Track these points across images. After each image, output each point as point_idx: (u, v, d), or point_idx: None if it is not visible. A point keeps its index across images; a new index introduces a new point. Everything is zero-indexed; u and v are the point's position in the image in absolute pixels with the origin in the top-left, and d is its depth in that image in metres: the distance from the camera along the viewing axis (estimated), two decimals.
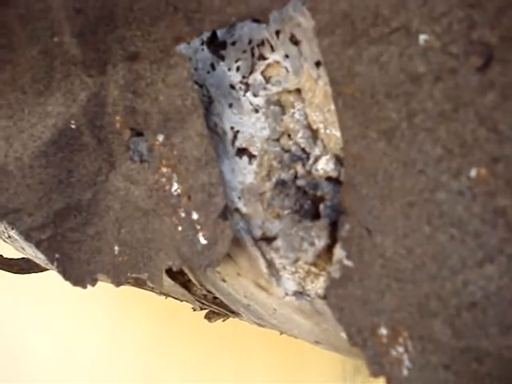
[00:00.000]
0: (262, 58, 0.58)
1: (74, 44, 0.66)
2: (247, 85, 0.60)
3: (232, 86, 0.61)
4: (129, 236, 0.70)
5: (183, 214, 0.62)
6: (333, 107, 0.51)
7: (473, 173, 0.41)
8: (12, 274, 1.33)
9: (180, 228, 0.63)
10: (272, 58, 0.57)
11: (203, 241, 0.60)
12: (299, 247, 0.55)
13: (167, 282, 0.80)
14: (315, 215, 0.54)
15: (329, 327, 0.59)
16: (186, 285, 0.82)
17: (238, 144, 0.60)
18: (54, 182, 0.73)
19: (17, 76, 0.71)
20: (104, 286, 0.87)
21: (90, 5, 0.63)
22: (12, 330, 2.23)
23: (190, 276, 0.76)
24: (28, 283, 1.78)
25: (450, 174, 0.42)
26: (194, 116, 0.59)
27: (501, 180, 0.39)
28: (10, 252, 1.25)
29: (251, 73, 0.59)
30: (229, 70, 0.61)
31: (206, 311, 1.06)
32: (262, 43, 0.58)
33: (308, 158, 0.56)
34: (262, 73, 0.59)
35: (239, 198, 0.60)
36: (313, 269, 0.56)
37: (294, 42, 0.55)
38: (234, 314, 0.88)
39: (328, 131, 0.54)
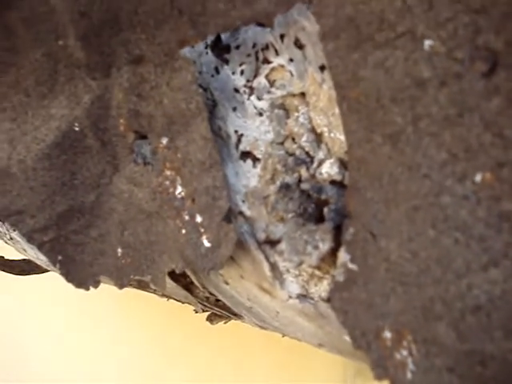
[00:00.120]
0: (267, 61, 0.58)
1: (78, 47, 0.66)
2: (251, 88, 0.60)
3: (236, 90, 0.61)
4: (132, 238, 0.70)
5: (187, 217, 0.62)
6: (337, 111, 0.51)
7: (478, 177, 0.41)
8: (12, 275, 1.33)
9: (184, 231, 0.63)
10: (276, 61, 0.57)
11: (207, 244, 0.60)
12: (303, 250, 0.55)
13: (169, 284, 0.80)
14: (319, 219, 0.55)
15: (332, 330, 0.59)
16: (189, 287, 0.83)
17: (242, 147, 0.61)
18: (58, 185, 0.73)
19: (20, 79, 0.71)
20: (105, 288, 0.88)
21: (94, 8, 0.63)
22: (12, 330, 2.23)
23: (193, 278, 0.76)
24: (28, 284, 1.78)
25: (454, 179, 0.42)
26: (198, 119, 0.60)
27: (506, 184, 0.40)
28: (11, 253, 1.25)
29: (255, 76, 0.59)
30: (233, 73, 0.61)
31: (207, 313, 1.06)
32: (266, 47, 0.58)
33: (312, 162, 0.56)
34: (267, 76, 0.59)
35: (243, 201, 0.60)
36: (316, 272, 0.56)
37: (299, 45, 0.55)
38: (236, 316, 0.88)
39: (332, 135, 0.54)
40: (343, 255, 0.51)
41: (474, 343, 0.42)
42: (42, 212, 0.74)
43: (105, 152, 0.70)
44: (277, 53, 0.57)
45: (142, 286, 0.91)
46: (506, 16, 0.38)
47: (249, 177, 0.60)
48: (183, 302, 0.98)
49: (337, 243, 0.53)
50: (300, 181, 0.56)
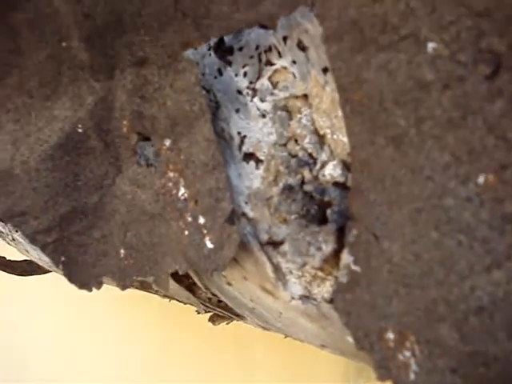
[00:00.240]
0: (270, 63, 0.58)
1: (81, 49, 0.67)
2: (254, 90, 0.60)
3: (239, 92, 0.61)
4: (135, 239, 0.70)
5: (190, 219, 0.63)
6: (340, 113, 0.51)
7: (481, 179, 0.41)
8: (13, 276, 1.33)
9: (187, 232, 0.63)
10: (279, 63, 0.58)
11: (210, 245, 0.61)
12: (306, 252, 0.55)
13: (172, 285, 0.80)
14: (322, 220, 0.55)
15: (335, 331, 0.59)
16: (191, 288, 0.83)
17: (245, 149, 0.61)
18: (61, 186, 0.74)
19: (24, 80, 0.72)
20: (106, 288, 0.88)
21: (98, 10, 0.63)
22: (12, 331, 2.23)
23: (195, 279, 0.77)
24: (29, 284, 1.79)
25: (457, 181, 0.42)
26: (201, 121, 0.60)
27: (509, 187, 0.40)
28: (13, 254, 1.25)
29: (258, 78, 0.60)
30: (236, 75, 0.61)
31: (210, 314, 1.06)
32: (269, 49, 0.58)
33: (315, 164, 0.56)
34: (269, 78, 0.59)
35: (246, 202, 0.60)
36: (319, 273, 0.57)
37: (302, 48, 0.55)
38: (239, 317, 0.88)
39: (335, 137, 0.54)
40: (346, 257, 0.51)
41: (477, 344, 0.42)
42: (45, 213, 0.75)
43: (108, 153, 0.71)
44: (280, 55, 0.57)
45: (145, 286, 0.91)
46: (509, 19, 0.39)
47: (252, 178, 0.60)
48: (185, 303, 0.98)
49: (340, 245, 0.53)
50: (303, 182, 0.57)
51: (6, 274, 1.30)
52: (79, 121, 0.71)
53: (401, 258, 0.47)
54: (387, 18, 0.45)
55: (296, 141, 0.58)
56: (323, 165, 0.55)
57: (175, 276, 0.74)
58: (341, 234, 0.53)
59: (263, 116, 0.60)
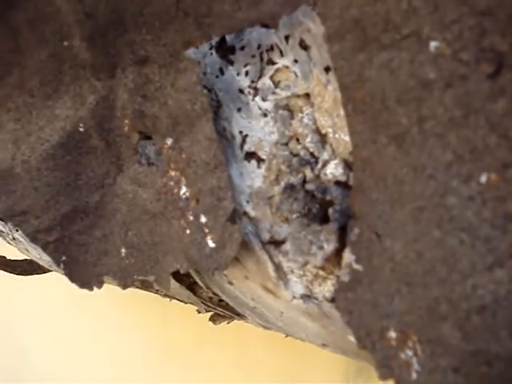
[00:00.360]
0: (271, 62, 0.58)
1: (83, 48, 0.67)
2: (256, 89, 0.60)
3: (241, 91, 0.61)
4: (136, 239, 0.70)
5: (191, 218, 0.63)
6: (342, 112, 0.51)
7: (483, 178, 0.41)
8: (14, 276, 1.33)
9: (188, 231, 0.63)
10: (281, 62, 0.58)
11: (211, 244, 0.61)
12: (308, 251, 0.55)
13: (173, 284, 0.80)
14: (324, 219, 0.55)
15: (336, 330, 0.59)
16: (192, 287, 0.83)
17: (246, 148, 0.61)
18: (62, 185, 0.74)
19: (25, 79, 0.72)
20: (106, 287, 0.88)
21: (99, 9, 0.63)
22: (12, 330, 2.23)
23: (196, 278, 0.77)
24: (29, 284, 1.79)
25: (460, 179, 0.43)
26: (202, 120, 0.60)
27: (511, 185, 0.40)
28: (13, 254, 1.25)
29: (260, 77, 0.60)
30: (237, 74, 0.61)
31: (210, 313, 1.06)
32: (270, 48, 0.58)
33: (317, 163, 0.56)
34: (271, 77, 0.59)
35: (247, 201, 0.60)
36: (321, 272, 0.57)
37: (304, 46, 0.55)
38: (240, 316, 0.88)
39: (337, 136, 0.54)
40: (348, 256, 0.51)
41: (479, 343, 0.42)
42: (46, 212, 0.75)
43: (109, 152, 0.71)
44: (281, 54, 0.57)
45: (146, 286, 0.91)
46: None
47: (253, 177, 0.60)
48: (186, 303, 0.98)
49: (341, 244, 0.53)
50: (305, 181, 0.57)
51: (6, 273, 1.30)
52: (80, 120, 0.70)
53: (403, 256, 0.47)
54: (389, 16, 0.45)
55: (298, 140, 0.58)
56: (325, 164, 0.55)
57: (176, 275, 0.74)
58: (342, 233, 0.53)
59: (265, 115, 0.60)
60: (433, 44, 0.43)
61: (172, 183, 0.64)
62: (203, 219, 0.61)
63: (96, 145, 0.71)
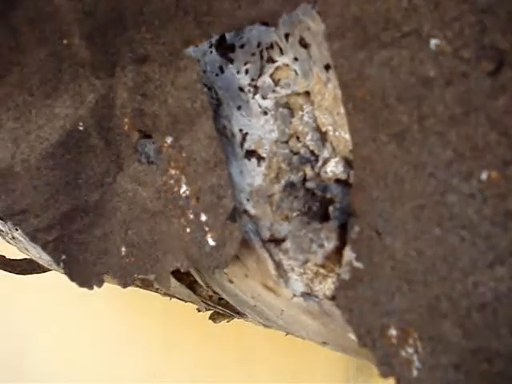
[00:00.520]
0: (271, 60, 0.58)
1: (82, 46, 0.67)
2: (256, 87, 0.60)
3: (241, 89, 0.61)
4: (136, 237, 0.70)
5: (192, 216, 0.63)
6: (342, 110, 0.51)
7: (484, 176, 0.41)
8: (13, 275, 1.33)
9: (188, 229, 0.63)
10: (281, 60, 0.58)
11: (212, 242, 0.61)
12: (308, 249, 0.55)
13: (173, 283, 0.80)
14: (324, 217, 0.55)
15: (337, 328, 0.59)
16: (192, 286, 0.83)
17: (246, 146, 0.61)
18: (61, 184, 0.74)
19: (25, 78, 0.72)
20: (106, 286, 0.88)
21: (99, 7, 0.63)
22: (12, 330, 2.23)
23: (197, 277, 0.77)
24: (28, 283, 1.79)
25: (460, 177, 0.43)
26: (202, 118, 0.60)
27: (511, 183, 0.40)
28: (13, 253, 1.25)
29: (260, 75, 0.60)
30: (237, 72, 0.61)
31: (210, 312, 1.06)
32: (270, 46, 0.58)
33: (317, 161, 0.56)
34: (271, 75, 0.59)
35: (248, 199, 0.60)
36: (321, 270, 0.57)
37: (304, 45, 0.55)
38: (240, 314, 0.88)
39: (337, 134, 0.54)
40: (348, 253, 0.51)
41: (480, 341, 0.42)
42: (46, 211, 0.74)
43: (109, 151, 0.71)
44: (281, 52, 0.57)
45: (146, 284, 0.91)
46: None
47: (253, 175, 0.60)
48: (186, 301, 0.98)
49: (342, 242, 0.53)
50: (305, 179, 0.57)
51: (5, 272, 1.30)
52: (80, 119, 0.70)
53: (403, 254, 0.47)
54: (390, 14, 0.45)
55: (298, 138, 0.58)
56: (325, 162, 0.55)
57: (176, 274, 0.74)
58: (343, 231, 0.53)
59: (265, 113, 0.60)
60: (433, 42, 0.43)
61: (172, 182, 0.64)
62: (203, 217, 0.61)
63: (96, 143, 0.71)
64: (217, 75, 0.63)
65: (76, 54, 0.67)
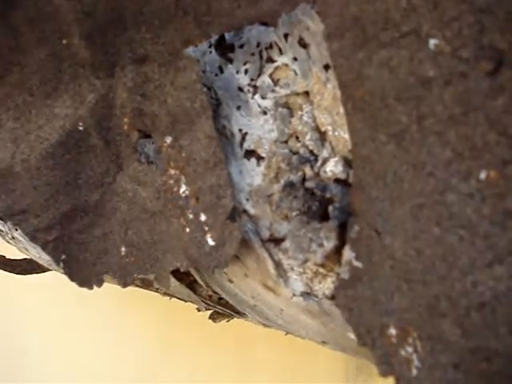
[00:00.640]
0: (271, 60, 0.59)
1: (82, 46, 0.67)
2: (255, 87, 0.60)
3: (240, 89, 0.61)
4: (136, 237, 0.70)
5: (191, 216, 0.63)
6: (341, 110, 0.52)
7: (482, 175, 0.41)
8: (13, 275, 1.33)
9: (188, 229, 0.63)
10: (280, 60, 0.58)
11: (211, 242, 0.61)
12: (308, 248, 0.55)
13: (173, 282, 0.80)
14: (324, 217, 0.55)
15: (336, 327, 0.59)
16: (192, 285, 0.83)
17: (246, 146, 0.61)
18: (61, 184, 0.74)
19: (24, 78, 0.72)
20: (108, 287, 0.88)
21: (99, 7, 0.63)
22: (11, 329, 2.23)
23: (196, 277, 0.77)
24: (28, 283, 1.79)
25: (459, 177, 0.43)
26: (202, 118, 0.60)
27: (510, 182, 0.40)
28: (13, 253, 1.25)
29: (259, 75, 0.60)
30: (237, 72, 0.61)
31: (210, 312, 1.06)
32: (270, 46, 0.58)
33: (316, 160, 0.56)
34: (271, 75, 0.59)
35: (247, 199, 0.60)
36: (321, 270, 0.57)
37: (303, 45, 0.55)
38: (239, 314, 0.88)
39: (336, 133, 0.54)
40: (348, 253, 0.51)
41: (478, 340, 0.43)
42: (46, 211, 0.75)
43: (109, 151, 0.71)
44: (281, 52, 0.57)
45: (146, 284, 0.91)
46: (511, 16, 0.39)
47: (253, 175, 0.60)
48: (186, 301, 0.98)
49: (341, 241, 0.53)
50: (304, 179, 0.57)
51: (5, 272, 1.30)
52: (80, 119, 0.71)
53: (403, 253, 0.47)
54: (389, 14, 0.45)
55: (297, 138, 0.58)
56: (324, 161, 0.55)
57: (176, 274, 0.74)
58: (342, 231, 0.53)
59: (264, 113, 0.60)
60: (432, 42, 0.43)
61: (172, 181, 0.64)
62: (203, 217, 0.61)
63: (95, 143, 0.71)
64: (216, 75, 0.63)
65: (76, 54, 0.68)
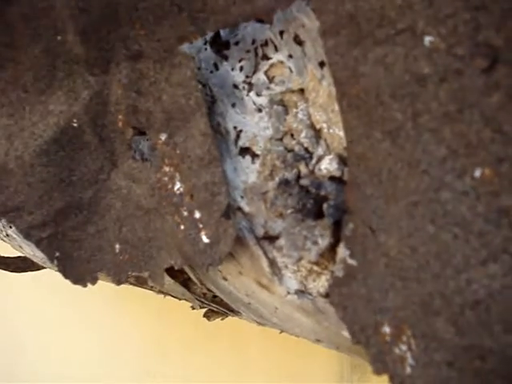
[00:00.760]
0: (266, 57, 0.58)
1: (77, 42, 0.66)
2: (250, 84, 0.60)
3: (235, 86, 0.61)
4: (130, 234, 0.70)
5: (186, 213, 0.62)
6: (337, 107, 0.51)
7: (477, 173, 0.41)
8: (10, 273, 1.33)
9: (182, 227, 0.63)
10: (276, 57, 0.58)
11: (206, 239, 0.61)
12: (302, 246, 0.55)
13: (167, 280, 0.80)
14: (318, 214, 0.55)
15: (330, 325, 0.59)
16: (186, 283, 0.83)
17: (241, 143, 0.61)
18: (55, 181, 0.73)
19: (19, 74, 0.71)
20: (102, 285, 0.87)
21: (93, 4, 0.63)
22: (6, 329, 2.23)
23: (190, 274, 0.76)
24: (22, 281, 1.78)
25: (454, 174, 0.43)
26: (197, 115, 0.60)
27: (505, 180, 0.40)
28: (7, 251, 1.24)
29: (254, 72, 0.60)
30: (232, 69, 0.61)
31: (204, 310, 1.06)
32: (265, 43, 0.58)
33: (311, 158, 0.56)
34: (266, 72, 0.59)
35: (242, 197, 0.60)
36: (315, 268, 0.57)
37: (298, 42, 0.55)
38: (234, 312, 0.88)
39: (331, 131, 0.54)
40: (342, 251, 0.51)
41: (473, 338, 0.42)
42: (40, 208, 0.74)
43: (103, 148, 0.70)
44: (276, 49, 0.57)
45: (140, 282, 0.91)
46: (507, 13, 0.39)
47: (248, 173, 0.60)
48: (180, 299, 0.98)
49: (336, 239, 0.53)
50: (299, 177, 0.56)
51: (2, 271, 1.30)
52: (74, 115, 0.70)
53: (397, 251, 0.47)
54: (384, 11, 0.45)
55: (292, 135, 0.58)
56: (319, 159, 0.55)
57: (170, 271, 0.74)
58: (337, 228, 0.53)
59: (259, 110, 0.60)
60: (427, 39, 0.43)
61: (166, 179, 0.64)
62: (197, 215, 0.61)
63: (90, 140, 0.71)
64: (211, 72, 0.63)
65: (70, 50, 0.67)
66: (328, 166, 0.54)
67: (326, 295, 0.56)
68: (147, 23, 0.61)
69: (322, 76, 0.54)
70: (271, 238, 0.59)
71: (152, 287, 0.96)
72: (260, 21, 0.57)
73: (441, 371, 0.45)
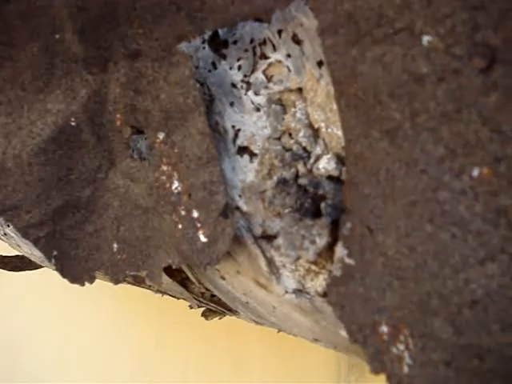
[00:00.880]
0: (264, 57, 0.58)
1: (75, 41, 0.66)
2: (249, 83, 0.60)
3: (233, 85, 0.61)
4: (128, 234, 0.70)
5: (183, 212, 0.62)
6: (335, 107, 0.51)
7: (475, 172, 0.41)
8: (8, 272, 1.32)
9: (180, 226, 0.63)
10: (274, 57, 0.58)
11: (203, 239, 0.61)
12: (300, 245, 0.55)
13: (165, 279, 0.80)
14: (316, 214, 0.55)
15: (328, 325, 0.59)
16: (184, 282, 0.83)
17: (239, 142, 0.61)
18: (53, 180, 0.73)
19: (17, 73, 0.71)
20: (101, 285, 0.87)
21: (92, 2, 0.63)
22: (4, 329, 2.22)
23: (188, 274, 0.76)
24: (20, 280, 1.78)
25: (452, 174, 0.43)
26: (195, 114, 0.60)
27: (503, 180, 0.40)
28: (4, 249, 1.24)
29: (253, 72, 0.60)
30: (230, 68, 0.61)
31: (202, 309, 1.06)
32: (263, 42, 0.58)
33: (309, 157, 0.56)
34: (264, 72, 0.59)
35: (240, 196, 0.60)
36: (313, 267, 0.57)
37: (296, 41, 0.55)
38: (232, 312, 0.88)
39: (329, 130, 0.54)
40: (340, 250, 0.51)
41: (470, 337, 0.43)
42: (38, 207, 0.74)
43: (101, 147, 0.70)
44: (274, 48, 0.57)
45: (138, 281, 0.91)
46: (505, 13, 0.39)
47: (246, 172, 0.60)
48: (178, 298, 0.98)
49: (334, 238, 0.53)
50: (297, 176, 0.56)
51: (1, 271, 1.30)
52: (72, 114, 0.70)
53: (395, 251, 0.47)
54: (382, 11, 0.45)
55: (290, 134, 0.58)
56: (317, 158, 0.55)
57: (168, 270, 0.74)
58: (335, 228, 0.53)
59: (257, 109, 0.60)
60: (425, 38, 0.43)
61: (164, 178, 0.64)
62: (195, 214, 0.61)
63: (88, 139, 0.70)
64: (209, 71, 0.62)
65: (68, 48, 0.67)
66: (326, 165, 0.54)
67: (324, 294, 0.56)
68: (145, 22, 0.61)
69: (320, 75, 0.54)
70: (269, 237, 0.59)
71: (150, 286, 0.96)
72: (258, 20, 0.57)
73: (438, 370, 0.45)
